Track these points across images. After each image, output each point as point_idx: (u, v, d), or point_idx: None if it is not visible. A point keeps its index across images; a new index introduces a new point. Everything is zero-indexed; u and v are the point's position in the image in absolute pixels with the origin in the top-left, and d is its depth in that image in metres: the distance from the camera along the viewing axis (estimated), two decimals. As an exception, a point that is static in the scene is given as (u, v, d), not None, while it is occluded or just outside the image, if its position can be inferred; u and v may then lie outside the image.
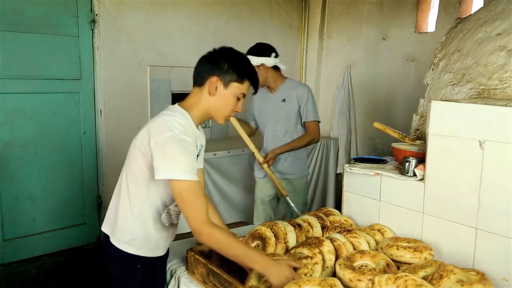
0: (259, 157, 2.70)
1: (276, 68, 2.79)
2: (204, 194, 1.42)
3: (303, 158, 2.91)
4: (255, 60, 2.69)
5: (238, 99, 1.51)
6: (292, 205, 2.68)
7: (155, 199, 1.50)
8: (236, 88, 1.48)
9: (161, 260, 1.64)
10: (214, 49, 1.52)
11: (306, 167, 2.94)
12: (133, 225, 1.50)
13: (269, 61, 2.73)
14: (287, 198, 2.70)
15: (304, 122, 2.78)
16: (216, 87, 1.46)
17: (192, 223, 1.36)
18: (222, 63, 1.46)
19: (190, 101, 1.52)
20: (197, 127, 1.53)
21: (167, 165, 1.35)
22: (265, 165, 2.69)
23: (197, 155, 1.55)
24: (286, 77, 2.85)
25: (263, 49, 2.75)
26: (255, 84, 1.53)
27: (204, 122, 4.05)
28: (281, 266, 1.34)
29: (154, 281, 1.60)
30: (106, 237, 1.57)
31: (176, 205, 1.50)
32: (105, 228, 1.59)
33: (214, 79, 1.46)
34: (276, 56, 2.76)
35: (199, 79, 1.50)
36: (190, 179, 1.35)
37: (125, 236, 1.52)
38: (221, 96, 1.47)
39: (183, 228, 1.69)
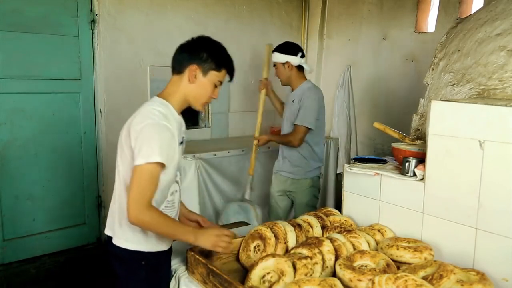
0: (256, 132, 2.93)
1: (300, 69, 2.87)
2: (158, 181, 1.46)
3: (310, 160, 2.88)
4: (281, 57, 2.82)
5: (215, 86, 1.58)
6: (248, 186, 2.89)
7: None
8: (214, 76, 1.55)
9: (165, 256, 1.64)
10: (192, 38, 1.58)
11: (314, 169, 2.92)
12: (128, 220, 1.51)
13: (295, 60, 2.82)
14: (250, 177, 2.96)
15: (295, 124, 2.81)
16: (196, 75, 1.52)
17: (134, 202, 1.38)
18: (201, 52, 1.53)
19: (169, 89, 1.57)
20: (179, 114, 1.58)
21: (145, 150, 1.39)
22: (255, 142, 2.90)
23: (181, 142, 1.60)
24: (306, 79, 2.90)
25: (290, 48, 2.85)
26: (231, 73, 1.60)
27: (204, 122, 4.10)
28: (208, 230, 1.50)
29: (158, 278, 1.60)
30: (109, 238, 1.59)
31: (172, 194, 1.55)
32: (107, 230, 1.61)
33: (193, 67, 1.52)
34: (302, 56, 2.85)
35: (178, 67, 1.55)
36: (153, 161, 1.38)
37: (125, 233, 1.53)
38: (200, 83, 1.54)
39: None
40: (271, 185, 3.06)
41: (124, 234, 1.53)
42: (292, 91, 2.91)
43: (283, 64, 2.82)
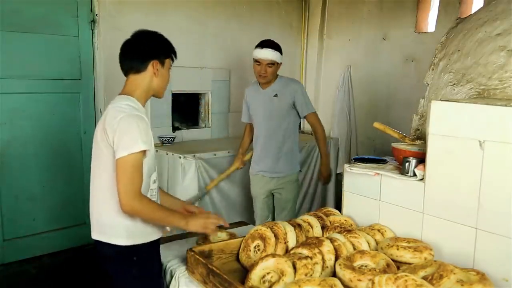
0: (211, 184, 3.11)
1: None
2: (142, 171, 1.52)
3: (296, 155, 2.92)
4: (280, 58, 2.76)
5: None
6: (195, 198, 2.90)
7: None
8: (168, 63, 1.69)
9: (155, 248, 1.66)
10: (135, 37, 1.66)
11: (298, 163, 2.97)
12: (116, 216, 1.54)
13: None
14: (203, 191, 3.06)
15: (305, 116, 2.82)
16: (157, 69, 1.64)
17: (125, 192, 1.45)
18: (155, 46, 1.64)
19: (129, 88, 1.66)
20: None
21: (124, 142, 1.45)
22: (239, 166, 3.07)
23: None
24: (278, 75, 2.88)
25: (281, 48, 2.80)
26: (175, 54, 1.73)
27: (204, 122, 4.10)
28: (198, 217, 1.60)
29: (151, 272, 1.62)
30: (97, 241, 1.61)
31: (154, 182, 1.61)
32: (94, 234, 1.64)
33: (155, 62, 1.63)
34: None
35: (137, 67, 1.63)
36: (137, 151, 1.46)
37: (113, 230, 1.56)
38: (162, 74, 1.67)
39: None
40: (252, 188, 2.99)
41: (112, 231, 1.56)
42: (263, 87, 2.83)
43: (278, 64, 2.77)
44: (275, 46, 2.76)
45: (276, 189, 2.91)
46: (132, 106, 1.55)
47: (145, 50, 1.63)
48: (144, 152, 1.49)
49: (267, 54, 2.71)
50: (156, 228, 1.64)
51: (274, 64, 2.74)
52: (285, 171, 2.86)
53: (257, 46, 2.78)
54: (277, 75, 2.86)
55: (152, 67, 1.62)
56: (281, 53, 2.78)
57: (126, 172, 1.45)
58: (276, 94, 2.79)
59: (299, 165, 2.97)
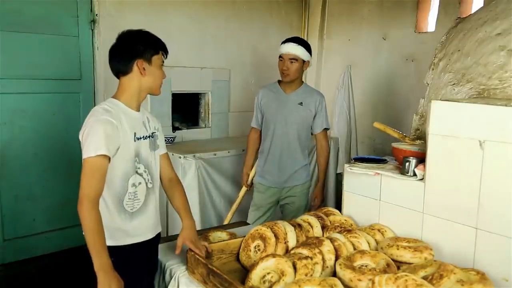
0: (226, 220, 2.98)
1: None
2: (104, 177, 1.48)
3: (308, 165, 2.80)
4: (305, 55, 2.58)
5: (161, 67, 1.70)
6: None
7: (112, 183, 1.55)
8: (157, 60, 1.67)
9: (138, 249, 1.64)
10: (118, 40, 1.69)
11: (309, 174, 2.83)
12: None
13: (311, 61, 2.68)
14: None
15: (317, 133, 2.70)
16: (144, 68, 1.62)
17: (80, 193, 1.44)
18: (136, 46, 1.63)
19: (119, 90, 1.68)
20: (138, 110, 1.67)
21: (86, 145, 1.47)
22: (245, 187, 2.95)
23: (150, 136, 1.71)
24: (303, 82, 2.76)
25: (310, 48, 2.66)
26: (165, 50, 1.72)
27: (204, 122, 4.10)
28: (111, 279, 1.46)
29: (130, 272, 1.59)
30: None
31: (133, 186, 1.59)
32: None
33: (140, 62, 1.62)
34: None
35: (124, 69, 1.64)
36: (94, 155, 1.45)
37: None
38: (150, 72, 1.65)
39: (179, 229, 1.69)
40: (258, 199, 2.79)
41: None
42: (286, 91, 2.66)
43: (304, 61, 2.58)
44: (300, 41, 2.59)
45: (288, 197, 2.75)
46: (105, 110, 1.55)
47: (128, 50, 1.63)
48: (106, 157, 1.47)
49: (289, 48, 2.54)
50: (141, 231, 1.64)
51: (298, 61, 2.54)
52: (301, 179, 2.72)
53: (281, 43, 2.63)
54: (303, 81, 2.71)
55: (137, 67, 1.62)
56: (308, 51, 2.59)
57: (84, 174, 1.45)
58: (301, 102, 2.62)
59: (310, 174, 2.86)
